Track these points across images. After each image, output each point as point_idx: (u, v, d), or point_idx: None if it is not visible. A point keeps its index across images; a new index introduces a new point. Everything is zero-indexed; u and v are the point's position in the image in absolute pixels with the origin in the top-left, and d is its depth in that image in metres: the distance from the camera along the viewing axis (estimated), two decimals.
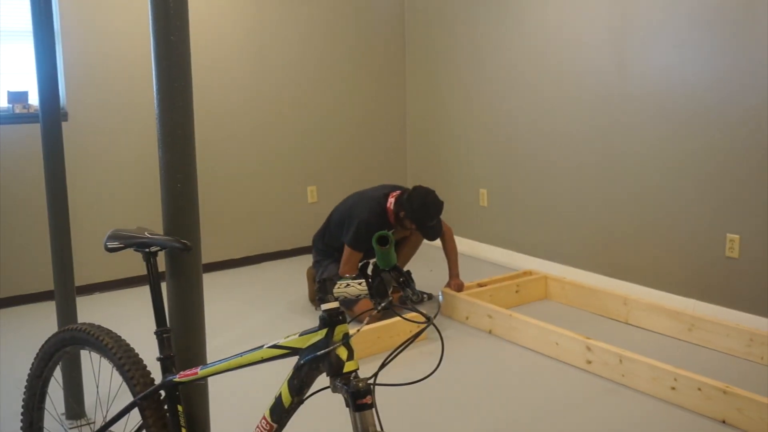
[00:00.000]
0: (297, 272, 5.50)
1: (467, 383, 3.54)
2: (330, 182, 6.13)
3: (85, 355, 3.23)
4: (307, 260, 5.70)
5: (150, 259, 2.11)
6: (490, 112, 5.65)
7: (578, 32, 4.88)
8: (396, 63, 6.38)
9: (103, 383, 3.27)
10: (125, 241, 2.11)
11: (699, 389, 3.16)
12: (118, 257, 5.10)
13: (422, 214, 4.23)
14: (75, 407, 3.15)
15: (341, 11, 6.01)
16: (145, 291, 4.98)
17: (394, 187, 4.54)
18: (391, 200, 4.36)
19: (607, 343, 3.61)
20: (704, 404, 3.14)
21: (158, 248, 2.07)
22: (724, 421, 3.07)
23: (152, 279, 2.10)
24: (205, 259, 5.51)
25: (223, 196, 5.61)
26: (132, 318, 4.51)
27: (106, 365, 3.47)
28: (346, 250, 4.34)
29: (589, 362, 3.62)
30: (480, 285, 4.64)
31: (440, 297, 4.52)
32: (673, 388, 3.25)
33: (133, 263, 5.15)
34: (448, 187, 5.72)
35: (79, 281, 4.22)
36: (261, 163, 5.77)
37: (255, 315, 4.59)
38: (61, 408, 3.21)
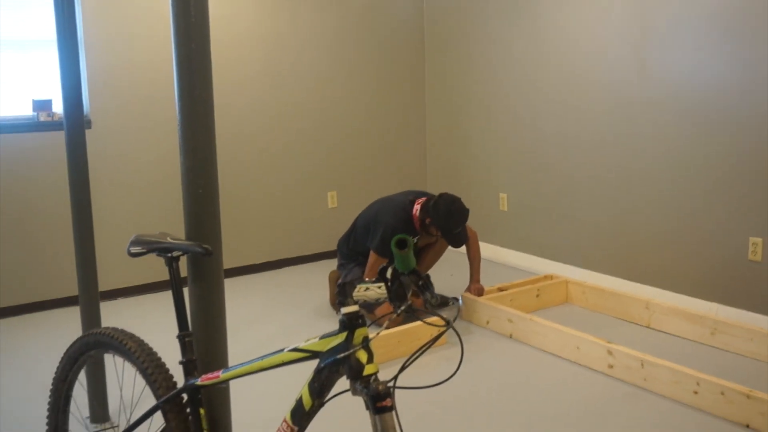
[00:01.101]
0: (318, 277, 5.52)
1: (488, 387, 3.54)
2: (350, 188, 6.15)
3: (109, 359, 3.27)
4: (328, 265, 5.73)
5: (172, 263, 2.13)
6: (508, 117, 5.64)
7: (597, 37, 4.86)
8: (416, 70, 6.39)
9: (126, 387, 3.30)
10: (148, 246, 2.14)
11: (722, 393, 3.13)
12: (141, 263, 5.15)
13: (448, 221, 4.25)
14: (99, 411, 3.19)
15: (362, 23, 6.04)
16: (167, 296, 5.02)
17: (420, 194, 4.55)
18: (417, 207, 4.38)
19: (628, 347, 3.59)
20: (727, 408, 3.11)
21: (180, 253, 2.10)
22: (748, 426, 3.04)
23: (174, 283, 2.13)
24: (226, 264, 5.53)
25: (244, 201, 5.65)
26: (155, 323, 4.56)
27: (130, 369, 3.51)
28: (372, 255, 4.33)
29: (611, 366, 3.60)
30: (500, 289, 4.64)
31: (460, 301, 4.53)
32: (696, 393, 3.23)
33: (156, 269, 5.20)
34: (468, 192, 5.71)
35: (102, 287, 4.29)
36: (281, 169, 5.80)
37: (276, 320, 4.61)
38: (86, 412, 3.25)
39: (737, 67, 4.08)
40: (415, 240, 4.54)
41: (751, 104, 4.04)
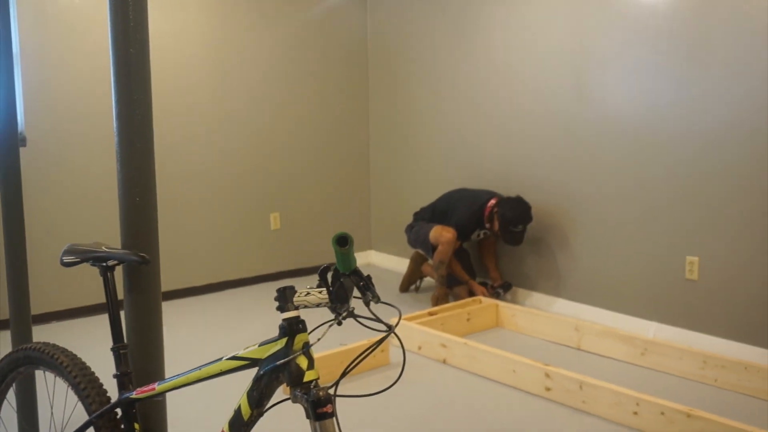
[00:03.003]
0: (261, 300, 5.45)
1: (424, 412, 3.48)
2: (293, 209, 6.11)
3: (40, 378, 3.15)
4: (271, 287, 5.66)
5: (107, 273, 2.07)
6: (451, 136, 5.69)
7: (538, 59, 4.96)
8: (359, 90, 6.42)
9: (59, 406, 3.18)
10: (82, 255, 2.08)
11: (662, 413, 3.15)
12: (77, 284, 5.03)
13: (512, 214, 4.84)
14: None
15: (305, 36, 6.04)
16: (104, 319, 4.89)
17: (500, 195, 5.10)
18: (494, 201, 4.99)
19: (566, 369, 3.59)
20: (668, 428, 3.13)
21: (115, 262, 2.04)
22: None
23: (109, 294, 2.07)
24: (167, 286, 5.43)
25: (185, 223, 5.56)
26: (90, 343, 4.42)
27: (63, 386, 3.38)
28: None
29: (549, 389, 3.59)
30: (431, 314, 4.59)
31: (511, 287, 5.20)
32: (636, 413, 3.25)
33: (93, 289, 5.05)
34: (410, 212, 5.72)
35: (36, 309, 4.13)
36: (223, 190, 5.73)
37: (217, 342, 4.53)
38: None
39: (674, 90, 4.20)
40: (482, 234, 5.16)
41: (686, 126, 4.16)
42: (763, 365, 3.59)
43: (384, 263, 6.44)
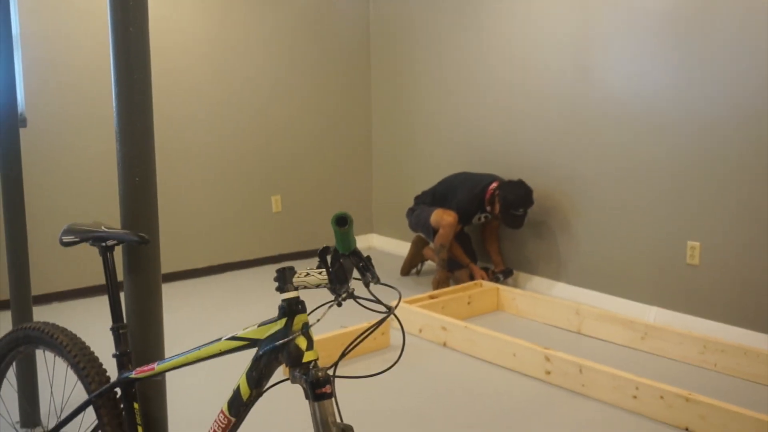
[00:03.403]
0: (262, 282, 5.45)
1: (425, 394, 3.49)
2: (295, 192, 6.10)
3: (41, 358, 3.16)
4: (272, 270, 5.67)
5: (107, 253, 2.07)
6: (454, 121, 5.67)
7: (540, 42, 4.93)
8: (362, 73, 6.39)
9: (60, 386, 3.19)
10: (81, 235, 2.07)
11: (661, 397, 3.15)
12: (78, 265, 5.03)
13: (513, 198, 4.83)
14: (30, 414, 3.07)
15: (308, 17, 6.00)
16: (105, 300, 4.90)
17: (501, 179, 5.09)
18: (495, 185, 4.98)
19: (566, 353, 3.59)
20: (666, 412, 3.14)
21: (115, 242, 2.04)
22: (686, 429, 3.07)
23: (108, 274, 2.06)
24: (168, 268, 5.43)
25: (187, 205, 5.55)
26: (91, 323, 4.43)
27: (63, 367, 3.39)
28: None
29: (548, 372, 3.60)
30: (432, 297, 4.59)
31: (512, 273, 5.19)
32: (635, 397, 3.25)
33: (93, 270, 5.06)
34: (411, 195, 5.71)
35: (37, 290, 4.14)
36: (224, 173, 5.72)
37: (219, 323, 4.54)
38: (16, 415, 3.13)
39: (676, 73, 4.18)
40: (483, 218, 5.18)
41: (688, 109, 4.14)
42: (763, 350, 3.59)
43: (385, 246, 6.44)
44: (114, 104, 2.00)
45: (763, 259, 3.88)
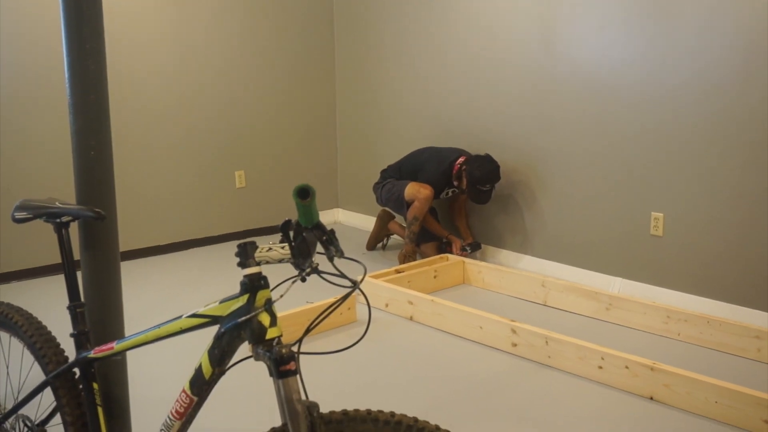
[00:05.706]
0: (226, 258, 5.39)
1: (392, 367, 3.49)
2: (258, 167, 6.02)
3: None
4: (235, 247, 5.60)
5: (62, 230, 2.00)
6: (419, 95, 5.63)
7: (506, 13, 4.89)
8: (324, 44, 6.30)
9: (15, 367, 3.11)
10: (34, 211, 2.00)
11: (626, 367, 3.19)
12: (36, 243, 4.92)
13: (480, 173, 4.81)
14: None
15: (273, 1, 5.90)
16: (63, 279, 4.80)
17: (468, 153, 5.07)
18: (462, 159, 4.96)
19: (532, 325, 3.61)
20: (631, 382, 3.17)
21: (70, 218, 1.97)
22: (651, 398, 3.11)
23: (64, 251, 1.99)
24: (129, 245, 5.35)
25: (148, 181, 5.45)
26: (49, 303, 4.33)
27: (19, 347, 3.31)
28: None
29: (515, 345, 3.61)
30: (398, 271, 4.58)
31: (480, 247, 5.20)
32: (601, 367, 3.28)
33: (51, 250, 4.95)
34: (377, 169, 5.67)
35: None
36: (186, 147, 5.62)
37: (182, 301, 4.47)
38: None
39: (641, 45, 4.17)
40: (450, 192, 5.18)
41: (653, 83, 4.14)
42: (725, 319, 3.64)
43: (351, 221, 6.40)
44: (66, 76, 1.92)
45: (725, 229, 3.92)
